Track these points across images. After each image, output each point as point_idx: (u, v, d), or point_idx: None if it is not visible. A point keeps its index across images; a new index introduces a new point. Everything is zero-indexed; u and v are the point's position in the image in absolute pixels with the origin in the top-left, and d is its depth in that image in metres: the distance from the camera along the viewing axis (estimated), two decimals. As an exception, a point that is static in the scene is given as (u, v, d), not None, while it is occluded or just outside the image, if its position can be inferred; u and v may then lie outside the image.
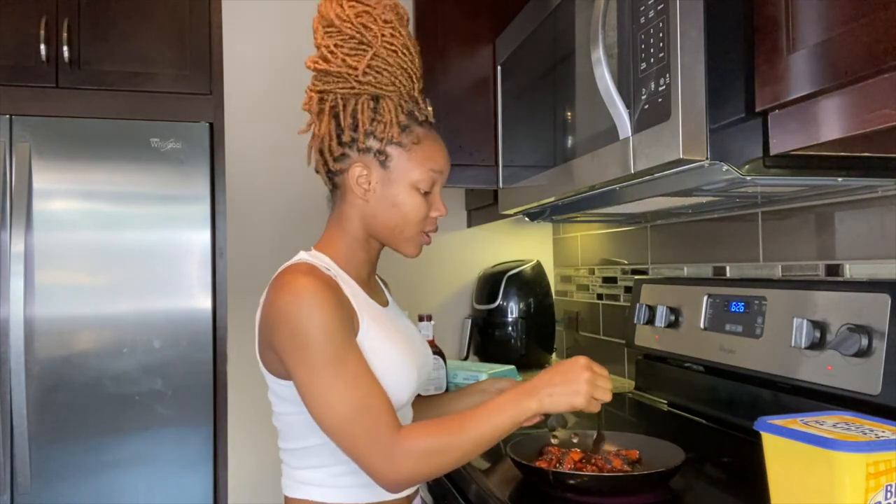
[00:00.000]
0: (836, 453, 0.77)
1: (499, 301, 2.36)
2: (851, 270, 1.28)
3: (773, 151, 0.92)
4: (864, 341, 1.12)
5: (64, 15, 1.89)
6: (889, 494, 0.78)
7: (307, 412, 1.00)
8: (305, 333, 0.97)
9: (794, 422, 0.87)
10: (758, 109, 0.93)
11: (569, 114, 1.35)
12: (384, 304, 1.19)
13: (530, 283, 2.39)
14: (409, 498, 1.14)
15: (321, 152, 1.11)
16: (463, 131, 1.94)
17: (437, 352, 1.88)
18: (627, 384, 2.00)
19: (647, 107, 1.02)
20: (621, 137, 1.09)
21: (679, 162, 0.96)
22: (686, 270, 1.80)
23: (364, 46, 1.07)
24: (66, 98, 1.89)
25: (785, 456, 0.85)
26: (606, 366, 1.07)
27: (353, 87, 1.07)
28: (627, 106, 1.08)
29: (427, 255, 1.22)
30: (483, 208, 2.34)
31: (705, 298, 1.55)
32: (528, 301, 2.37)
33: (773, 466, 0.87)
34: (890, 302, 1.10)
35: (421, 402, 1.29)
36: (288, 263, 1.08)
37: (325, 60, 1.08)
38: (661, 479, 1.11)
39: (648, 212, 1.66)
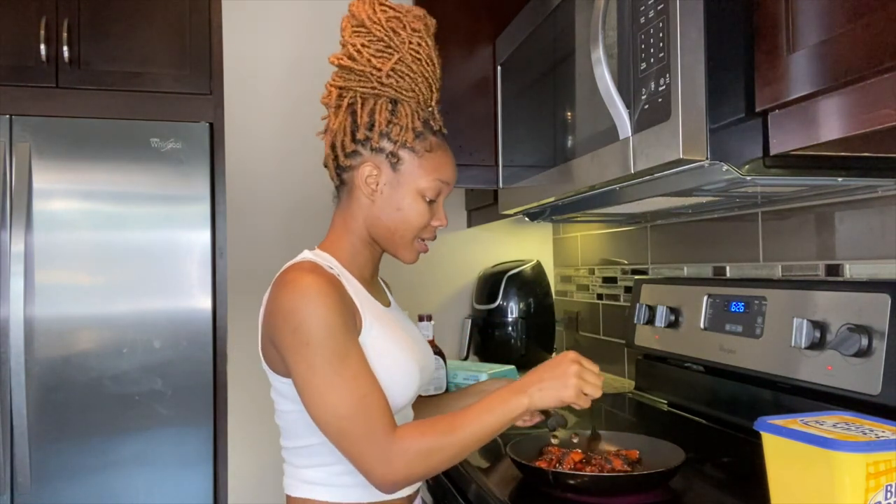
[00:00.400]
0: (836, 453, 0.77)
1: (499, 301, 2.36)
2: (851, 270, 1.28)
3: (773, 151, 0.92)
4: (864, 341, 1.12)
5: (64, 15, 1.89)
6: (889, 494, 0.78)
7: (308, 410, 1.01)
8: (307, 330, 0.97)
9: (794, 422, 0.87)
10: (758, 109, 0.93)
11: (569, 114, 1.35)
12: (386, 304, 1.19)
13: (530, 283, 2.39)
14: (410, 498, 1.14)
15: (333, 147, 1.12)
16: (463, 131, 1.94)
17: (437, 352, 1.88)
18: (627, 384, 2.00)
19: (647, 107, 1.02)
20: (621, 137, 1.09)
21: (679, 162, 0.96)
22: (686, 270, 1.80)
23: (391, 50, 1.09)
24: (66, 98, 1.89)
25: (785, 456, 0.85)
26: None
27: (374, 88, 1.09)
28: (627, 106, 1.08)
29: (427, 255, 1.22)
30: (483, 208, 2.34)
31: (705, 298, 1.55)
32: (528, 301, 2.37)
33: (773, 466, 0.87)
34: (890, 302, 1.10)
35: (421, 403, 1.29)
36: (292, 261, 1.08)
37: (351, 58, 1.09)
38: (661, 479, 1.11)
39: (648, 212, 1.66)
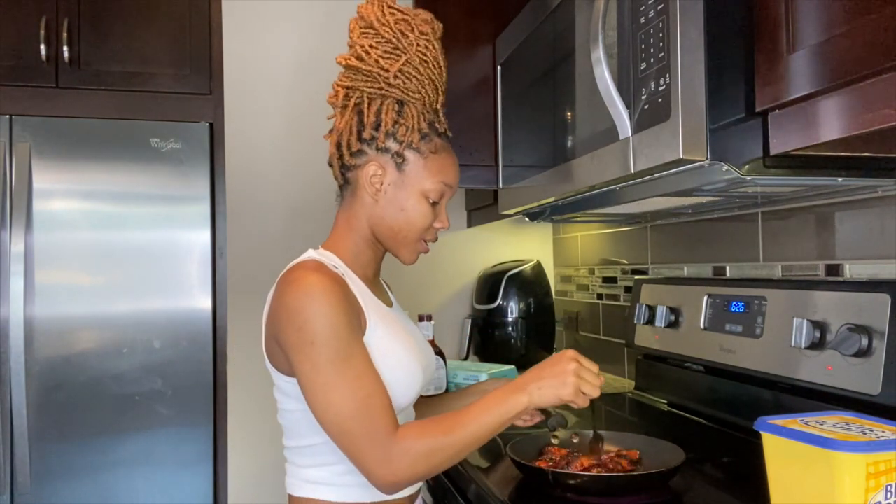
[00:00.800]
0: (836, 453, 0.77)
1: (499, 301, 2.36)
2: (851, 270, 1.28)
3: (773, 151, 0.92)
4: (864, 341, 1.12)
5: (64, 15, 1.89)
6: (889, 494, 0.78)
7: (312, 409, 1.01)
8: (312, 329, 0.97)
9: (794, 422, 0.87)
10: (758, 109, 0.93)
11: (569, 114, 1.35)
12: (389, 304, 1.19)
13: (530, 283, 2.39)
14: (411, 498, 1.14)
15: (338, 146, 1.12)
16: (463, 131, 1.94)
17: (438, 352, 1.88)
18: (627, 384, 2.00)
19: (647, 107, 1.02)
20: (621, 137, 1.09)
21: (679, 162, 0.96)
22: (686, 270, 1.80)
23: (399, 52, 1.10)
24: (66, 98, 1.89)
25: (785, 456, 0.85)
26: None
27: (381, 88, 1.10)
28: (627, 106, 1.08)
29: (427, 255, 1.23)
30: (483, 208, 2.34)
31: (705, 298, 1.55)
32: (528, 301, 2.37)
33: (773, 466, 0.87)
34: (890, 302, 1.10)
35: (421, 403, 1.30)
36: (296, 261, 1.09)
37: (359, 59, 1.10)
38: (661, 479, 1.11)
39: (648, 212, 1.66)
